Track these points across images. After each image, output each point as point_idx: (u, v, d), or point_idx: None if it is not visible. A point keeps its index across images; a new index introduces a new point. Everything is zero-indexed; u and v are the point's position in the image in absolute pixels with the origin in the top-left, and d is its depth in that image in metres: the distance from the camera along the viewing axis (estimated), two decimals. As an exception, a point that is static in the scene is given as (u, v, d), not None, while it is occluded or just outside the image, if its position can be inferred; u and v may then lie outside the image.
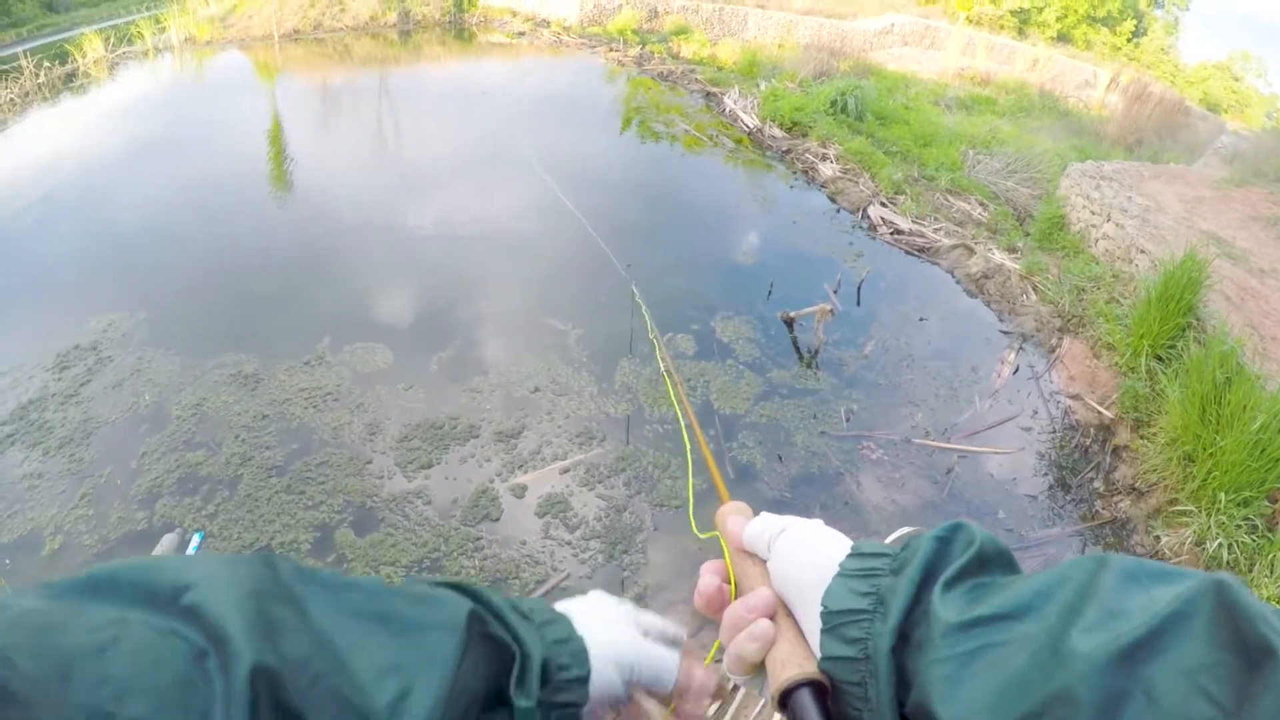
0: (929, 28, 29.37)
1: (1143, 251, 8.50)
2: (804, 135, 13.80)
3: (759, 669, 0.72)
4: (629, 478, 5.43)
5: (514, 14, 23.03)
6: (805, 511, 4.59)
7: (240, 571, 0.51)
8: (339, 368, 6.15)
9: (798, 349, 7.14)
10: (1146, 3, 50.31)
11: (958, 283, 9.24)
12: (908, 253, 9.91)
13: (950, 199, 11.62)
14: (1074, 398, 7.06)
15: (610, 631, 0.76)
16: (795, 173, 12.64)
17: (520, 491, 5.18)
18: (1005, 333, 8.20)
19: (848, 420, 6.31)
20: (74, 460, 5.15)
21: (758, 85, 16.29)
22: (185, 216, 8.87)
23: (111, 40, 16.65)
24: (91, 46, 15.88)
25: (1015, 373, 7.44)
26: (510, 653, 0.63)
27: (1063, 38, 43.00)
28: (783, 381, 6.64)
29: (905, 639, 0.59)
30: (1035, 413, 6.80)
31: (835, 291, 8.13)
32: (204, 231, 8.53)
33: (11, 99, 13.22)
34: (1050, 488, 5.99)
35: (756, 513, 0.85)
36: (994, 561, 0.62)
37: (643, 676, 0.76)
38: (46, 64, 14.65)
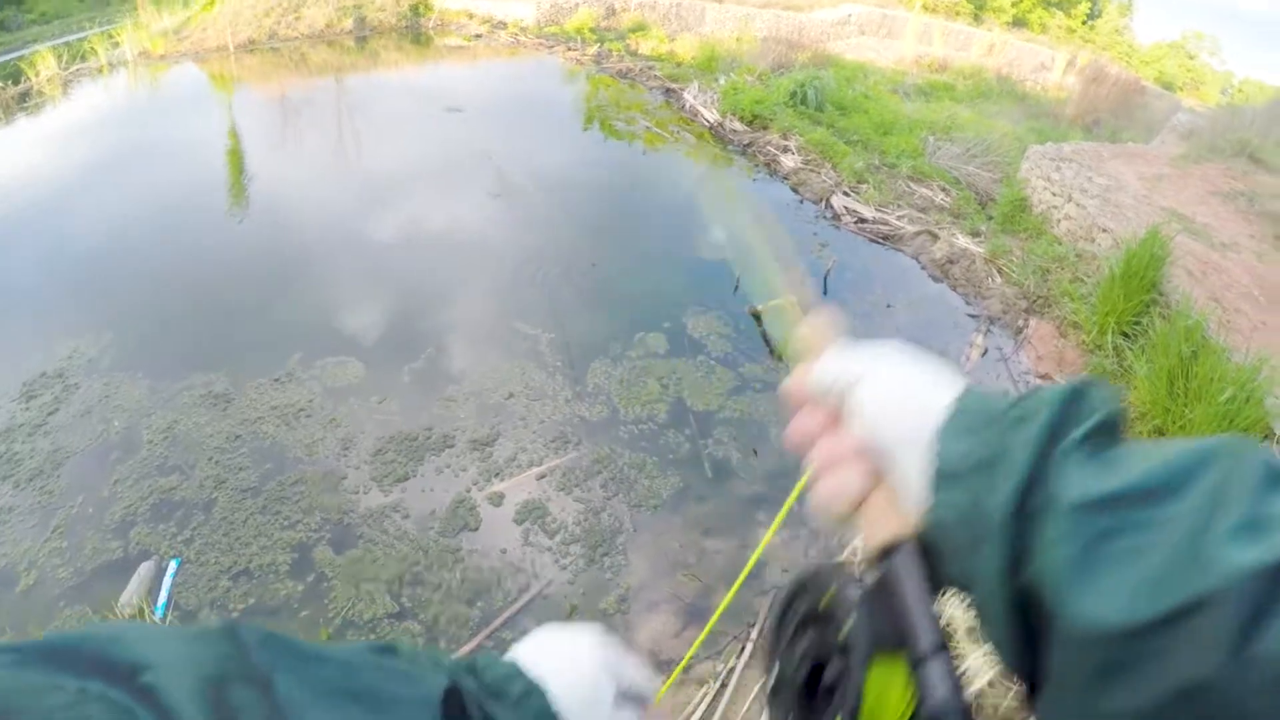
0: (885, 16, 29.64)
1: (1105, 230, 8.60)
2: (765, 128, 13.88)
3: (848, 518, 0.67)
4: (605, 479, 5.44)
5: (470, 16, 22.95)
6: (778, 506, 4.62)
7: (201, 651, 0.47)
8: (310, 383, 6.11)
9: (768, 342, 7.17)
10: None
11: (923, 268, 9.31)
12: (872, 240, 9.98)
13: (912, 185, 11.72)
14: (1043, 377, 7.13)
15: (582, 698, 0.72)
16: (757, 165, 12.70)
17: (498, 500, 5.17)
18: (973, 316, 8.29)
19: None
20: (45, 492, 5.08)
21: (717, 80, 16.36)
22: (146, 235, 8.77)
23: (65, 58, 16.46)
24: (44, 64, 15.68)
25: (984, 355, 7.52)
26: None
27: (1018, 22, 43.54)
28: (754, 375, 6.68)
29: (1022, 506, 0.53)
30: (1006, 394, 6.87)
31: (803, 282, 8.17)
32: (166, 250, 8.45)
33: (-37, 122, 13.06)
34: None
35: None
36: (1119, 429, 0.56)
37: None
38: (-1, 85, 14.48)
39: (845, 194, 11.11)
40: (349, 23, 21.38)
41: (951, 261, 9.21)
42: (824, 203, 11.01)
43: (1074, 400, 0.55)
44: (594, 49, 20.15)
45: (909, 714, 0.57)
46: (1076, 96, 22.15)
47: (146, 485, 5.12)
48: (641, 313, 7.38)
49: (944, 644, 0.56)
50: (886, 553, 0.61)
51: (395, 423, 5.79)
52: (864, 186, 11.28)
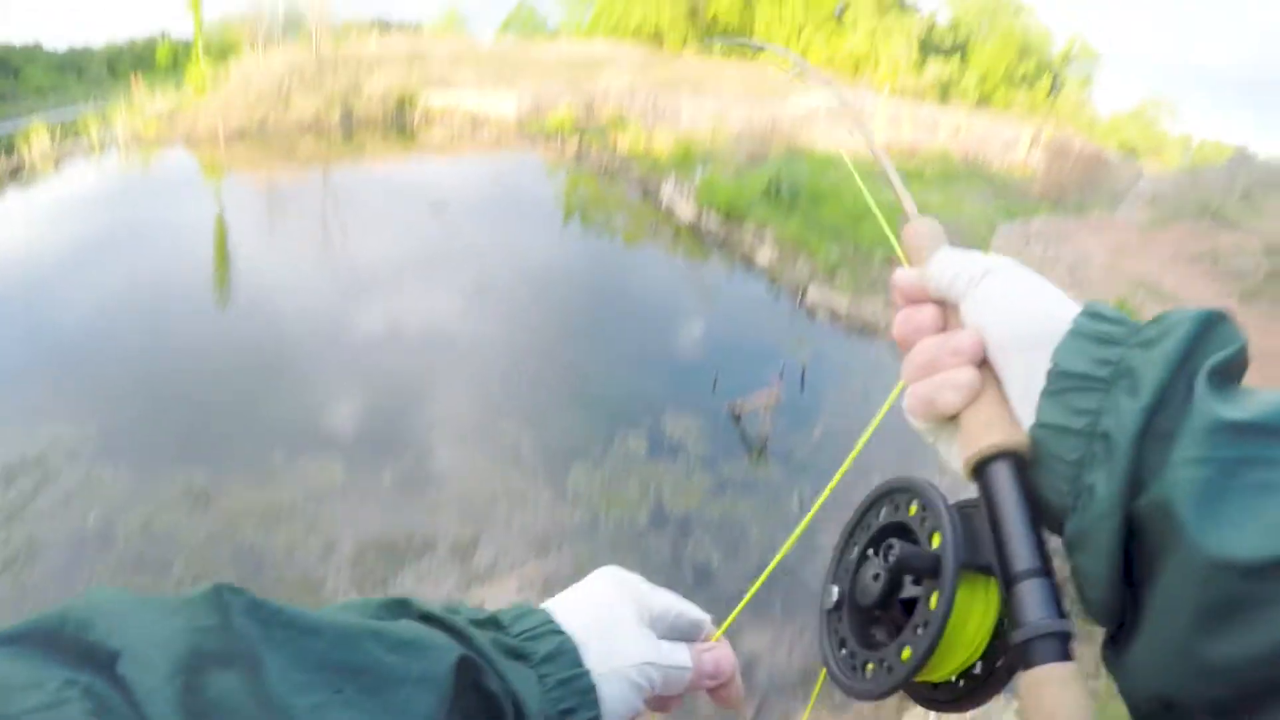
0: (856, 104, 30.27)
1: (1074, 304, 8.82)
2: (741, 221, 14.04)
3: (944, 423, 0.63)
4: (585, 588, 5.41)
5: (455, 112, 23.37)
6: (765, 607, 4.64)
7: (176, 628, 0.42)
8: (291, 483, 6.09)
9: (746, 441, 7.23)
10: (1059, 60, 52.88)
11: (899, 359, 9.41)
12: (848, 333, 10.11)
13: (887, 273, 11.87)
14: None
15: (621, 644, 0.63)
16: (734, 260, 12.90)
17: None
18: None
19: (800, 508, 6.36)
20: (18, 584, 5.03)
21: (694, 174, 16.59)
22: (132, 323, 8.82)
23: (58, 134, 16.57)
24: (38, 139, 15.81)
25: None
26: (503, 708, 0.53)
27: (984, 101, 44.74)
28: (734, 475, 6.71)
29: (1149, 426, 0.49)
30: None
31: (780, 378, 8.23)
32: (151, 339, 8.46)
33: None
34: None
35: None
36: (1244, 370, 0.52)
37: (658, 685, 0.64)
38: (-9, 158, 14.56)
39: (821, 285, 11.28)
40: (337, 115, 21.71)
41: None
42: (800, 295, 11.16)
43: (1209, 327, 0.51)
44: (573, 145, 20.54)
45: (990, 637, 0.56)
46: (1042, 172, 22.77)
47: (121, 582, 5.03)
48: (621, 413, 7.43)
49: (1046, 565, 0.53)
50: (984, 464, 0.57)
51: (376, 526, 5.76)
52: (839, 276, 11.43)
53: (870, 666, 0.57)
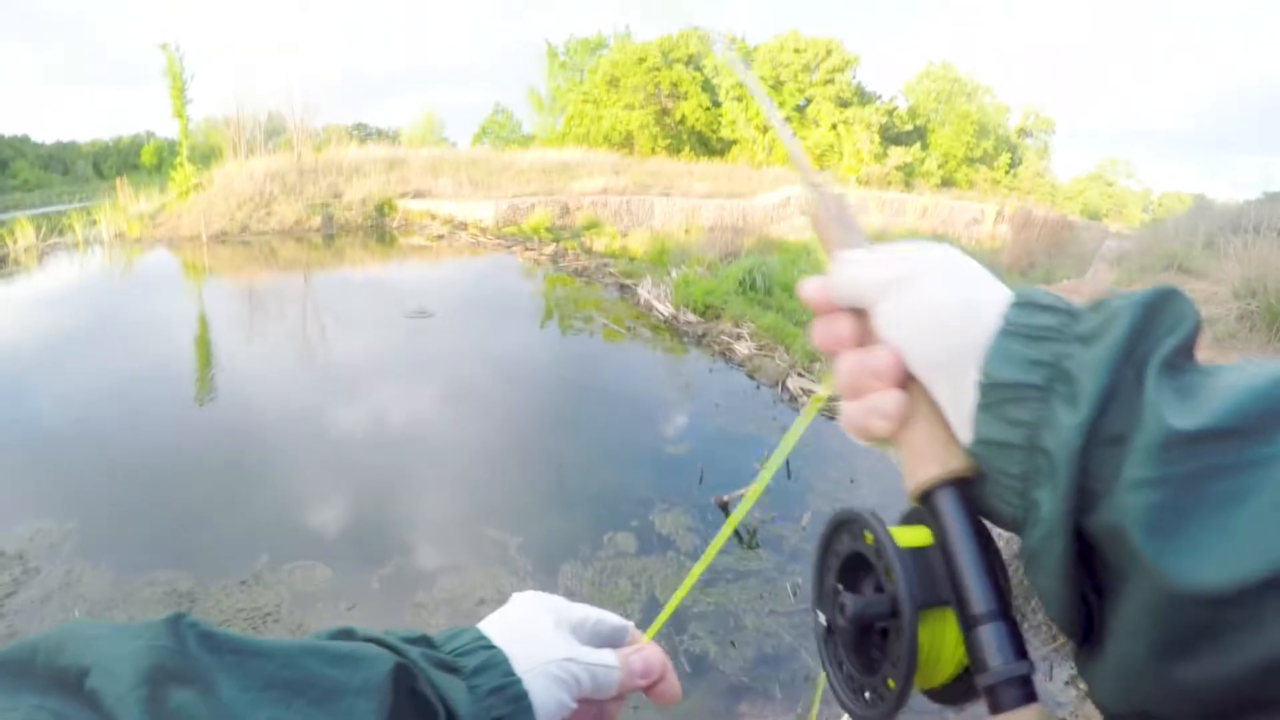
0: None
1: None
2: (718, 317, 14.24)
3: (885, 443, 0.59)
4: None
5: (433, 217, 23.79)
6: (765, 695, 4.62)
7: (139, 647, 0.44)
8: (277, 587, 5.99)
9: (736, 531, 7.19)
10: (1016, 134, 54.31)
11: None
12: (830, 418, 10.14)
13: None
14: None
15: (539, 645, 0.65)
16: (713, 355, 12.96)
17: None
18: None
19: (794, 595, 6.34)
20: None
21: (669, 273, 16.80)
22: (113, 418, 8.77)
23: (43, 230, 16.69)
24: (23, 234, 15.94)
25: None
26: (438, 716, 0.55)
27: (947, 182, 45.89)
28: (726, 566, 6.67)
29: (1093, 439, 0.45)
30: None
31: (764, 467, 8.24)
32: (132, 435, 8.43)
33: (-63, 278, 13.12)
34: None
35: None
36: (1195, 347, 0.48)
37: (588, 690, 0.67)
38: (-25, 248, 14.65)
39: (800, 374, 11.37)
40: (317, 220, 22.01)
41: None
42: (780, 386, 11.23)
43: (1152, 314, 0.47)
44: (550, 248, 20.85)
45: (960, 668, 0.55)
46: (1009, 244, 23.27)
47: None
48: (608, 511, 7.41)
49: (999, 604, 0.52)
50: (929, 493, 0.55)
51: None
52: (817, 366, 11.51)
53: (867, 693, 0.57)
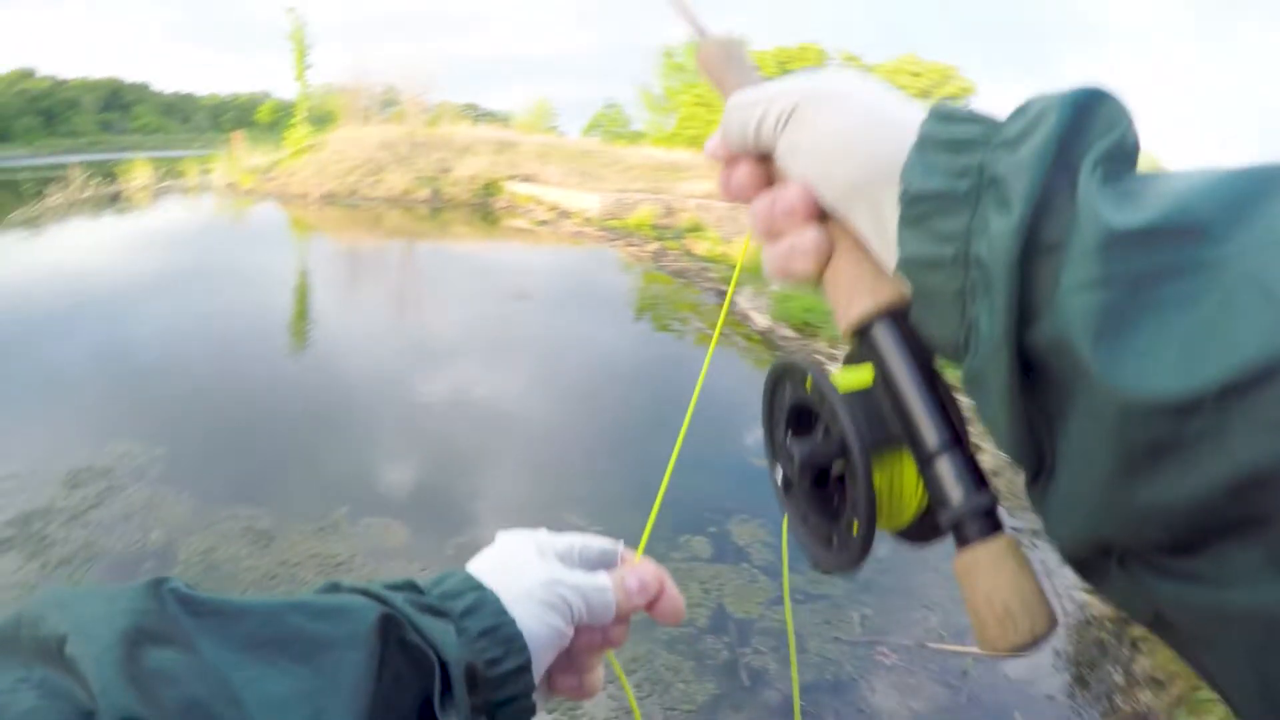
0: None
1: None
2: (814, 335, 13.97)
3: (813, 284, 0.56)
4: (641, 679, 5.24)
5: (539, 202, 23.78)
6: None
7: (118, 609, 0.44)
8: (353, 539, 6.00)
9: (810, 553, 7.03)
10: None
11: None
12: None
13: (959, 396, 11.75)
14: (1089, 592, 6.88)
15: (520, 572, 0.63)
16: (807, 373, 12.75)
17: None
18: (1016, 529, 8.10)
19: (861, 625, 6.13)
20: (71, 581, 4.95)
21: (769, 285, 16.63)
22: (207, 356, 8.95)
23: (160, 172, 17.14)
24: (141, 172, 16.40)
25: None
26: (429, 662, 0.53)
27: None
28: (796, 586, 6.49)
29: (1028, 246, 0.40)
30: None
31: None
32: (224, 375, 8.58)
33: (58, 206, 13.52)
34: (1069, 685, 5.80)
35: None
36: (1135, 158, 0.43)
37: (583, 614, 0.64)
38: (95, 180, 15.07)
39: None
40: (425, 192, 22.27)
41: (996, 473, 8.92)
42: None
43: (1082, 115, 0.42)
44: (652, 246, 20.70)
45: (926, 504, 0.53)
46: None
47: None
48: (687, 513, 7.26)
49: (952, 435, 0.50)
50: (864, 329, 0.52)
51: (435, 591, 5.62)
52: None
53: (833, 539, 0.57)
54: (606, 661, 0.74)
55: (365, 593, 0.56)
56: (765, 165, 0.57)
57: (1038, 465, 0.43)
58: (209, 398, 7.88)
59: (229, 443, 7.07)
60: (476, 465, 7.67)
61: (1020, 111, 0.45)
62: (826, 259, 0.54)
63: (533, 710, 0.60)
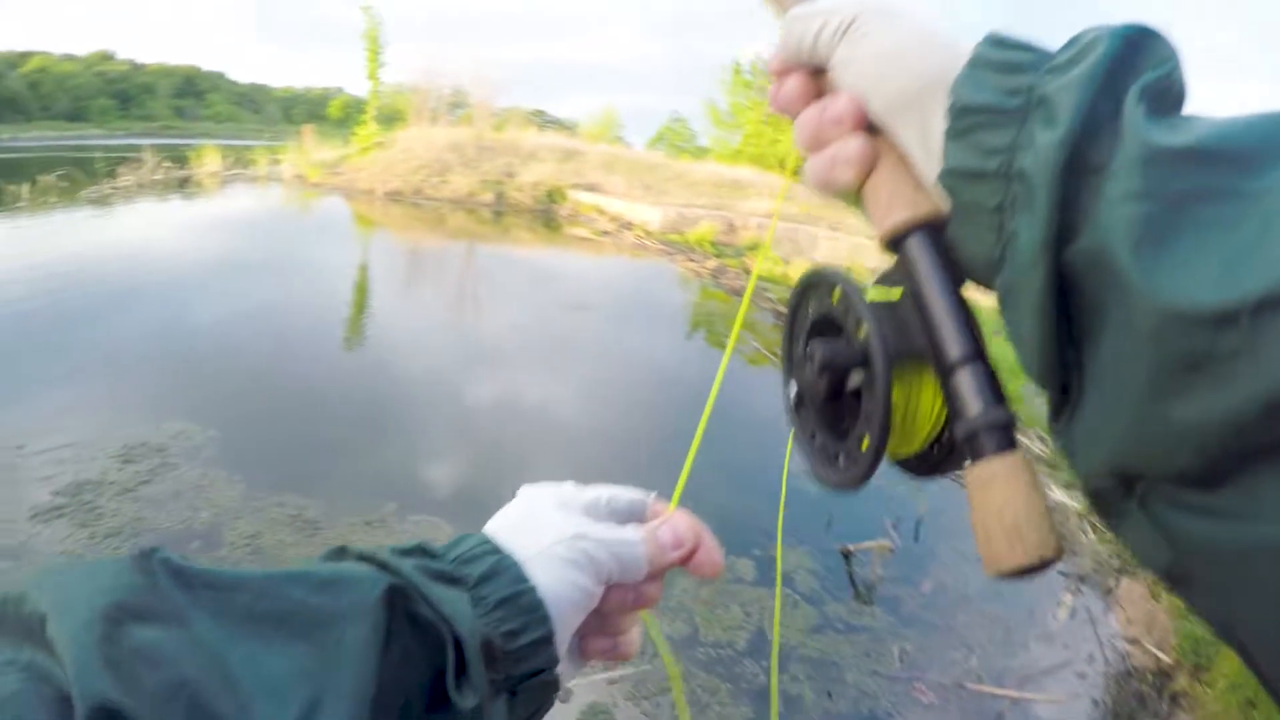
0: None
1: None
2: None
3: (851, 197, 0.57)
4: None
5: (601, 213, 23.82)
6: None
7: (100, 584, 0.42)
8: (401, 535, 5.97)
9: (854, 583, 6.93)
10: None
11: None
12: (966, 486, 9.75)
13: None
14: (1131, 642, 6.75)
15: (540, 529, 0.60)
16: (861, 399, 12.65)
17: (566, 695, 4.92)
18: (1063, 574, 7.95)
19: (900, 660, 6.03)
20: (117, 552, 4.97)
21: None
22: (264, 343, 9.07)
23: (229, 160, 17.45)
24: (211, 159, 16.72)
25: (1072, 616, 7.16)
26: (440, 637, 0.50)
27: None
28: (838, 615, 6.40)
29: (1073, 159, 0.41)
30: (1091, 658, 6.49)
31: (894, 526, 7.94)
32: (282, 364, 8.67)
33: (128, 186, 13.79)
34: (1105, 736, 5.70)
35: None
36: (1182, 99, 0.43)
37: (612, 570, 0.61)
38: (166, 163, 15.36)
39: None
40: (489, 196, 22.41)
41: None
42: None
43: (1132, 43, 0.43)
44: (712, 262, 20.59)
45: (943, 421, 0.53)
46: None
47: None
48: (733, 534, 7.14)
49: (976, 347, 0.49)
50: (897, 243, 0.53)
51: (480, 593, 5.60)
52: None
53: (840, 458, 0.57)
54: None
55: (373, 560, 0.54)
56: (815, 81, 0.58)
57: (1063, 393, 0.43)
58: (265, 384, 7.97)
59: (282, 431, 7.15)
60: (524, 470, 7.63)
61: (1072, 41, 0.45)
62: (869, 170, 0.54)
63: (557, 684, 0.57)
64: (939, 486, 9.75)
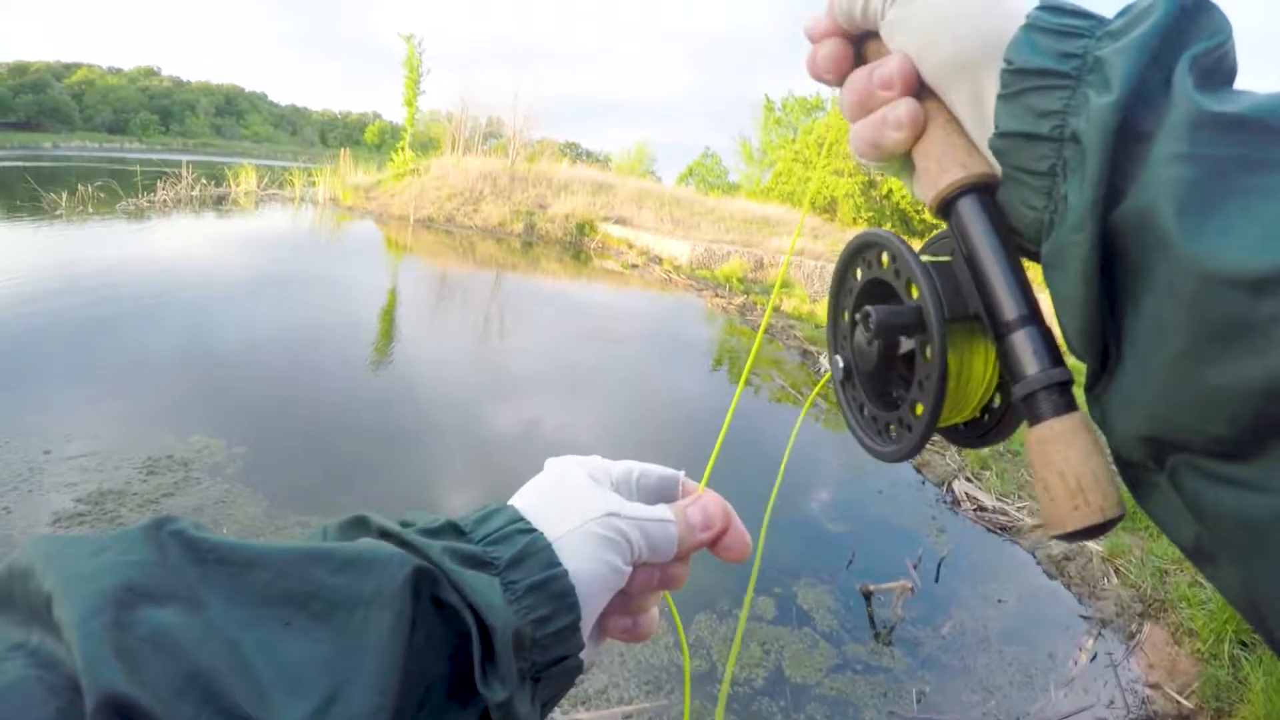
0: None
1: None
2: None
3: (903, 161, 0.55)
4: (692, 735, 5.13)
5: (630, 246, 23.95)
6: None
7: (106, 563, 0.39)
8: (421, 561, 5.98)
9: (874, 623, 6.84)
10: None
11: (1038, 564, 8.91)
12: (989, 530, 9.64)
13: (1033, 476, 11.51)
14: (1153, 687, 6.62)
15: (572, 504, 0.58)
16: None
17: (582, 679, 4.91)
18: (1085, 618, 7.83)
19: (919, 702, 5.94)
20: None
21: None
22: (290, 362, 9.12)
23: (265, 180, 17.67)
24: (247, 178, 16.95)
25: (1093, 660, 7.05)
26: (466, 624, 0.47)
27: None
28: (857, 656, 6.32)
29: (1124, 122, 0.41)
30: (1111, 703, 6.37)
31: (915, 567, 7.86)
32: (307, 384, 8.69)
33: (165, 200, 13.98)
34: (1122, 781, 5.59)
35: None
36: (1233, 73, 0.44)
37: (643, 550, 0.58)
38: (203, 180, 15.57)
39: (967, 479, 10.81)
40: (520, 226, 22.60)
41: (1068, 559, 8.82)
42: (945, 486, 10.69)
43: (1186, 12, 0.42)
44: (740, 299, 20.63)
45: (994, 387, 0.53)
46: None
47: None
48: (750, 573, 7.15)
49: (1031, 308, 0.48)
50: (948, 202, 0.52)
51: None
52: (987, 473, 10.99)
53: (892, 427, 0.56)
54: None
55: (398, 538, 0.50)
56: (854, 47, 0.58)
57: (1102, 359, 0.44)
58: (290, 403, 8.00)
59: (306, 451, 7.14)
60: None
61: (1127, 8, 0.45)
62: (919, 133, 0.53)
63: (580, 669, 0.55)
64: (963, 529, 9.68)
